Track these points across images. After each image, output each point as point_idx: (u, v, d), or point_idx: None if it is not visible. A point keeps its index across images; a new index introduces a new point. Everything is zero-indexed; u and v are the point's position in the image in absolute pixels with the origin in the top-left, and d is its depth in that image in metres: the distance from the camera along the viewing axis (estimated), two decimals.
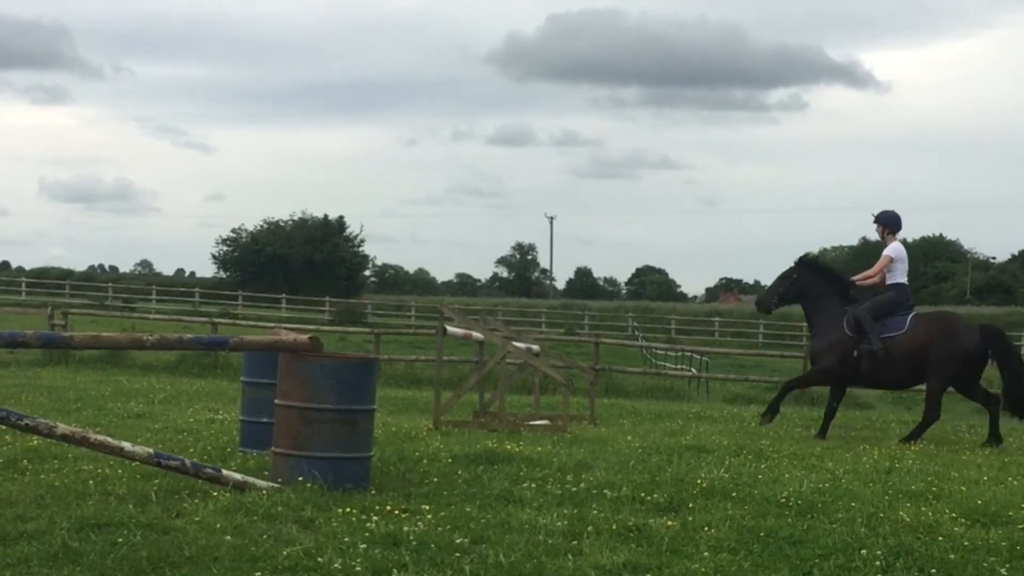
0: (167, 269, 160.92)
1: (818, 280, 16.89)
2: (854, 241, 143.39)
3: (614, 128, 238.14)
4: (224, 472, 9.33)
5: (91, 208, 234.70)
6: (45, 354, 26.79)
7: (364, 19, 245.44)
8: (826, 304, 16.67)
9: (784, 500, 9.55)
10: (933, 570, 7.58)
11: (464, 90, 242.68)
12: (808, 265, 17.14)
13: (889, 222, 16.97)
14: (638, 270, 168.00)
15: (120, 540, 7.31)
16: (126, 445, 9.21)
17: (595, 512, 8.81)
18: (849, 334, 16.23)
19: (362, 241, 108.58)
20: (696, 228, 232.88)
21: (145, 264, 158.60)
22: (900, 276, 16.64)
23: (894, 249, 16.73)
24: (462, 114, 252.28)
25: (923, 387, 16.88)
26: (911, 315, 16.41)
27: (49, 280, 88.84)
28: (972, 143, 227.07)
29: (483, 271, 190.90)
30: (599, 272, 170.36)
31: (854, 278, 16.96)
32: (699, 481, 10.25)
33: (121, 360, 27.85)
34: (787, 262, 17.45)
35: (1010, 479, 11.83)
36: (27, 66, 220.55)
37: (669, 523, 8.53)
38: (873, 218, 17.12)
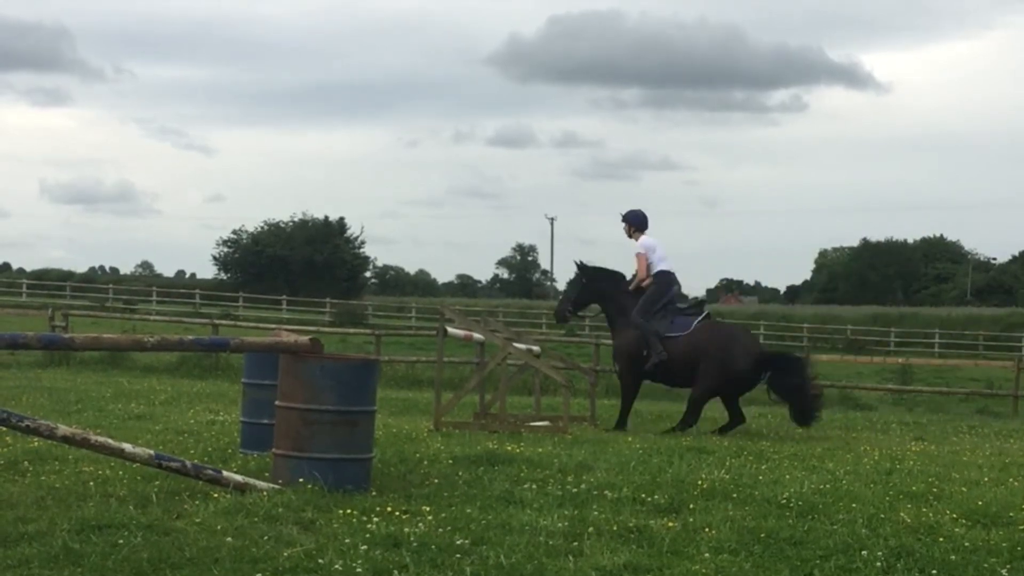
0: (168, 270, 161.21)
1: (608, 280, 17.26)
2: (855, 242, 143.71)
3: (615, 129, 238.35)
4: (225, 473, 9.33)
5: (92, 210, 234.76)
6: (46, 355, 26.79)
7: (365, 20, 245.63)
8: (621, 304, 17.00)
9: (785, 501, 9.55)
10: (934, 571, 7.58)
11: (465, 91, 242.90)
12: (594, 269, 17.47)
13: (635, 221, 17.31)
14: None
15: (121, 541, 7.31)
16: (127, 446, 9.21)
17: (596, 513, 8.81)
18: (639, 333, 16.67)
19: (363, 242, 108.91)
20: (697, 229, 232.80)
21: (146, 265, 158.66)
22: (658, 264, 16.93)
23: (642, 244, 17.06)
24: (463, 115, 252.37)
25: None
26: (700, 319, 16.73)
27: (50, 281, 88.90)
28: (973, 144, 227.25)
29: (484, 272, 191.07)
30: None
31: (630, 287, 17.06)
32: (700, 482, 10.25)
33: (122, 361, 27.84)
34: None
35: (1011, 480, 11.83)
36: (28, 68, 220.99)
37: (670, 524, 8.53)
38: (621, 218, 17.46)
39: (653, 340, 16.39)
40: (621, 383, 17.45)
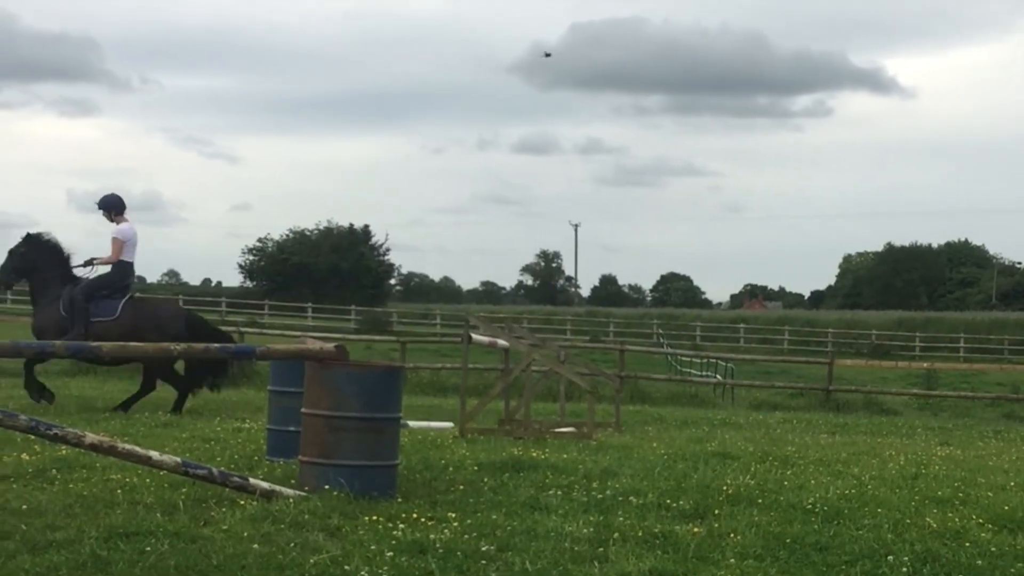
0: (194, 279, 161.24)
1: (44, 257, 17.46)
2: (879, 247, 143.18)
3: (638, 136, 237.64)
4: (251, 481, 9.37)
5: None
6: (73, 364, 26.89)
7: (388, 29, 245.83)
8: (50, 282, 17.29)
9: (810, 506, 9.54)
10: None
11: (488, 99, 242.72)
12: (35, 241, 17.63)
13: (112, 205, 17.58)
14: (663, 277, 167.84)
15: (148, 549, 7.35)
16: (154, 454, 9.26)
17: (621, 519, 8.82)
18: (63, 314, 16.94)
19: (388, 250, 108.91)
20: (721, 235, 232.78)
21: (172, 274, 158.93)
22: (127, 255, 17.29)
23: (120, 230, 17.36)
24: (486, 123, 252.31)
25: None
26: (124, 300, 17.11)
27: None
28: (996, 148, 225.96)
29: (508, 279, 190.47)
30: (624, 279, 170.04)
31: (96, 261, 17.36)
32: (725, 488, 10.24)
33: None
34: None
35: None
36: (55, 79, 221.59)
37: (695, 530, 8.53)
38: (97, 205, 17.74)
39: (81, 313, 16.76)
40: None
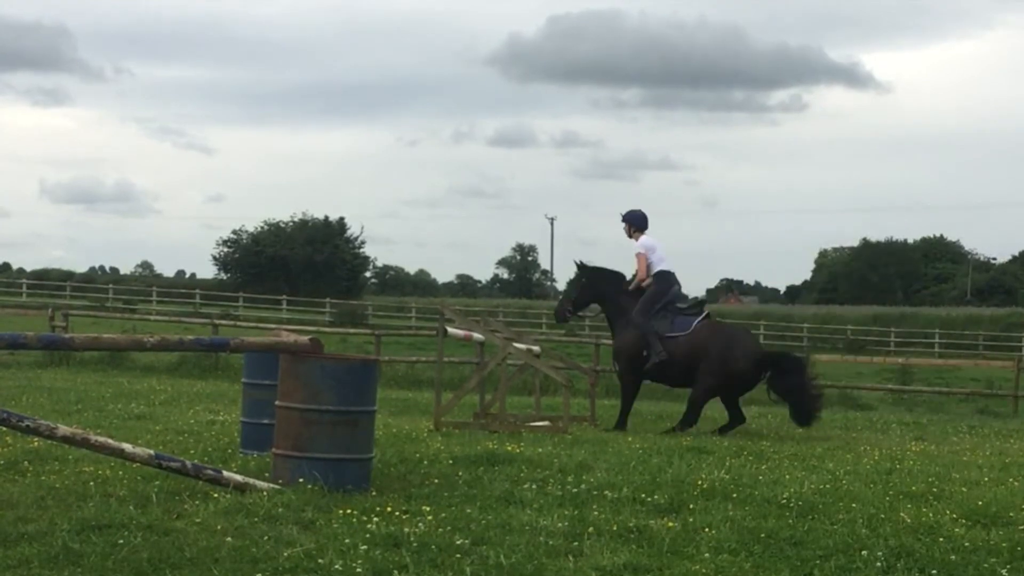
0: (168, 270, 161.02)
1: (608, 280, 17.28)
2: (855, 242, 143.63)
3: (614, 129, 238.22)
4: (225, 473, 9.33)
5: (92, 209, 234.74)
6: (46, 355, 26.80)
7: (364, 20, 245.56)
8: (624, 303, 17.01)
9: (785, 501, 9.56)
10: (934, 571, 7.59)
11: (465, 91, 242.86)
12: (594, 269, 17.49)
13: (635, 221, 17.36)
14: None
15: (121, 542, 7.32)
16: (127, 447, 9.22)
17: (596, 513, 8.81)
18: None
19: (363, 242, 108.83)
20: (697, 229, 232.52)
21: (146, 265, 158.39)
22: (658, 265, 16.96)
23: (642, 244, 17.10)
24: (463, 115, 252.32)
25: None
26: (701, 319, 16.74)
27: (50, 281, 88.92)
28: (973, 144, 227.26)
29: (484, 272, 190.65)
30: None
31: (630, 287, 17.09)
32: (700, 482, 10.25)
33: (122, 361, 27.84)
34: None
35: (1011, 480, 11.82)
36: (28, 68, 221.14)
37: (670, 524, 8.53)
38: (621, 218, 17.51)
39: (653, 340, 16.40)
40: (621, 383, 17.45)
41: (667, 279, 16.86)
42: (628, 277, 17.15)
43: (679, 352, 16.39)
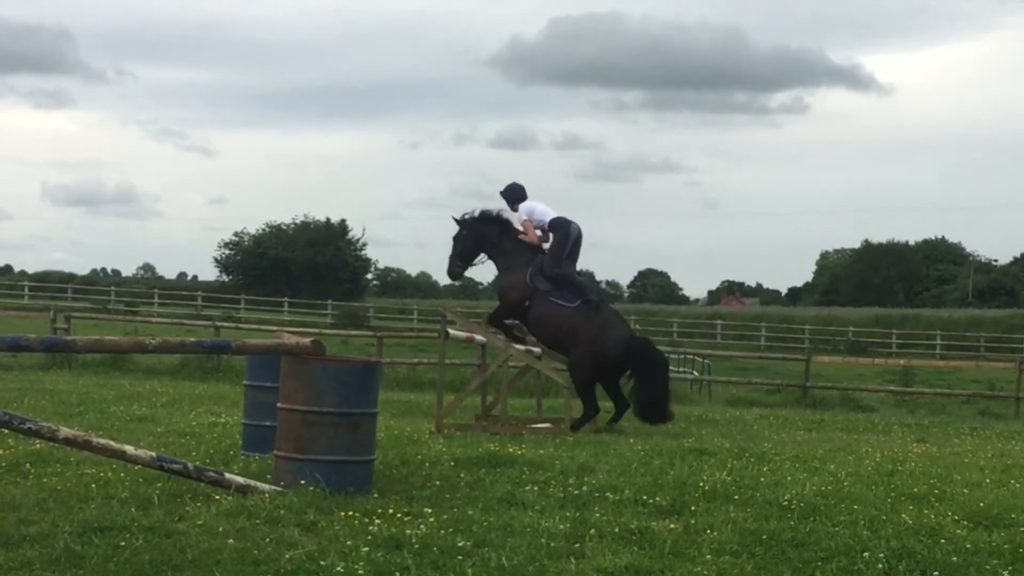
0: (169, 273, 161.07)
1: (488, 225, 17.21)
2: (856, 244, 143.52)
3: (616, 131, 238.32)
4: (227, 475, 9.34)
5: (94, 212, 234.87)
6: (48, 358, 26.78)
7: (366, 23, 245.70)
8: (506, 245, 17.07)
9: (786, 503, 9.56)
10: (935, 573, 7.59)
11: (466, 93, 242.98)
12: (471, 219, 17.33)
13: (511, 194, 17.39)
14: (640, 273, 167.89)
15: (123, 544, 7.32)
16: (129, 449, 9.22)
17: (597, 515, 8.81)
18: (528, 283, 16.66)
19: (364, 244, 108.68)
20: (698, 231, 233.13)
21: (147, 268, 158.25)
22: (545, 217, 17.00)
23: (522, 210, 17.15)
24: (464, 117, 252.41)
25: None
26: (587, 297, 16.60)
27: (51, 284, 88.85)
28: (974, 145, 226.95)
29: (485, 275, 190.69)
30: (601, 275, 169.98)
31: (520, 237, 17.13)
32: (701, 484, 10.25)
33: (123, 364, 27.82)
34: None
35: (1012, 482, 11.83)
36: (30, 70, 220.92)
37: (671, 526, 8.53)
38: (501, 195, 17.50)
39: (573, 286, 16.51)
40: (492, 315, 17.38)
41: (561, 226, 16.88)
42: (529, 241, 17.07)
43: (554, 318, 16.37)
